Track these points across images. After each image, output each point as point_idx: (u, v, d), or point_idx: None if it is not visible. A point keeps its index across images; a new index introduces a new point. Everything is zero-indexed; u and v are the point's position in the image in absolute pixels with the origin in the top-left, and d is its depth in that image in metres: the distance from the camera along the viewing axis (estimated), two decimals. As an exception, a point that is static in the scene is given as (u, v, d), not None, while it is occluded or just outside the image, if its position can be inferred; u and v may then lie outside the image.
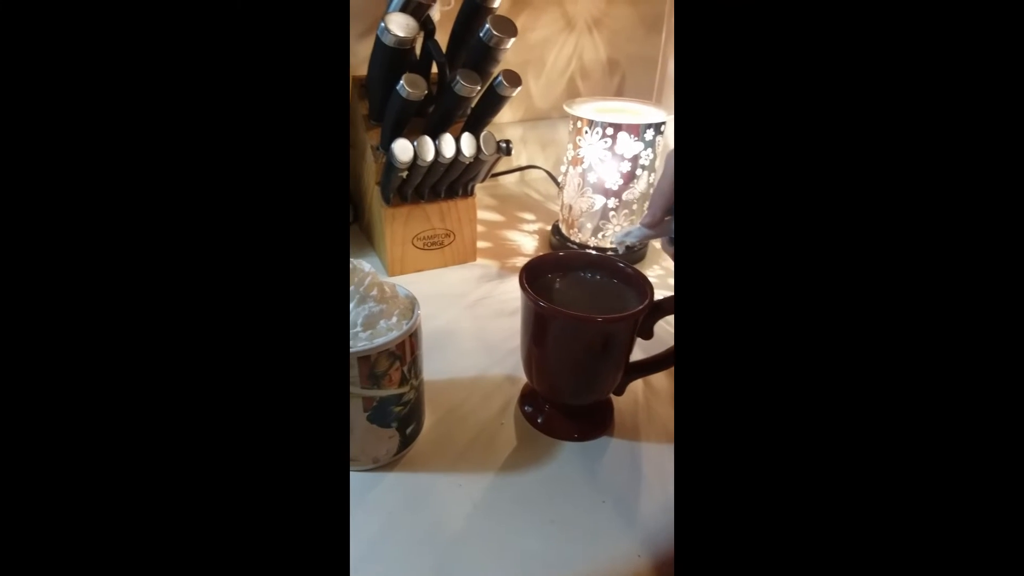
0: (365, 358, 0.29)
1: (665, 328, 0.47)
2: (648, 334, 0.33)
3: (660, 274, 0.58)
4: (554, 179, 0.75)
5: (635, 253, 0.58)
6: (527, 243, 0.63)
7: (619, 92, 0.85)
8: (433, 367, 0.41)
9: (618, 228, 0.56)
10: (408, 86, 0.42)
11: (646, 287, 0.33)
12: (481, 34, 0.43)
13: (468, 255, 0.58)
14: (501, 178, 0.78)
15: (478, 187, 0.55)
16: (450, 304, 0.51)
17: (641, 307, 0.31)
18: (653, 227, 0.31)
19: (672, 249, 0.32)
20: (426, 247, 0.55)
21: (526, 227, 0.67)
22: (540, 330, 0.33)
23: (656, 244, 0.33)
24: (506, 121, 0.78)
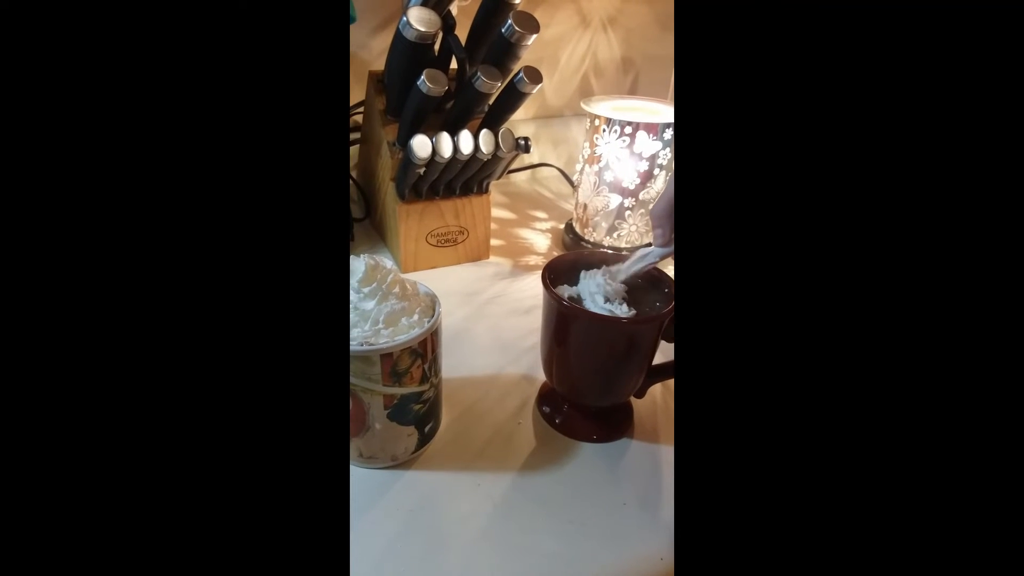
0: (388, 355, 0.29)
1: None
2: (673, 337, 0.32)
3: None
4: (567, 177, 0.74)
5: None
6: (540, 241, 0.63)
7: (632, 91, 0.84)
8: (449, 365, 0.41)
9: (633, 228, 0.56)
10: (429, 82, 0.41)
11: (672, 289, 0.32)
12: (503, 30, 0.43)
13: (481, 253, 0.57)
14: (513, 176, 0.78)
15: (490, 184, 0.55)
16: (464, 302, 0.50)
17: (667, 309, 0.30)
18: (669, 244, 0.30)
19: None
20: (440, 244, 0.55)
21: (538, 225, 0.67)
22: (563, 330, 0.32)
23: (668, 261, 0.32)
24: (519, 118, 0.77)
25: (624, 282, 0.33)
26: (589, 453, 0.35)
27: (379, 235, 0.60)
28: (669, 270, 0.58)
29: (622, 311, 0.31)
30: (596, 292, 0.32)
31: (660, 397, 0.40)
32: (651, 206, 0.31)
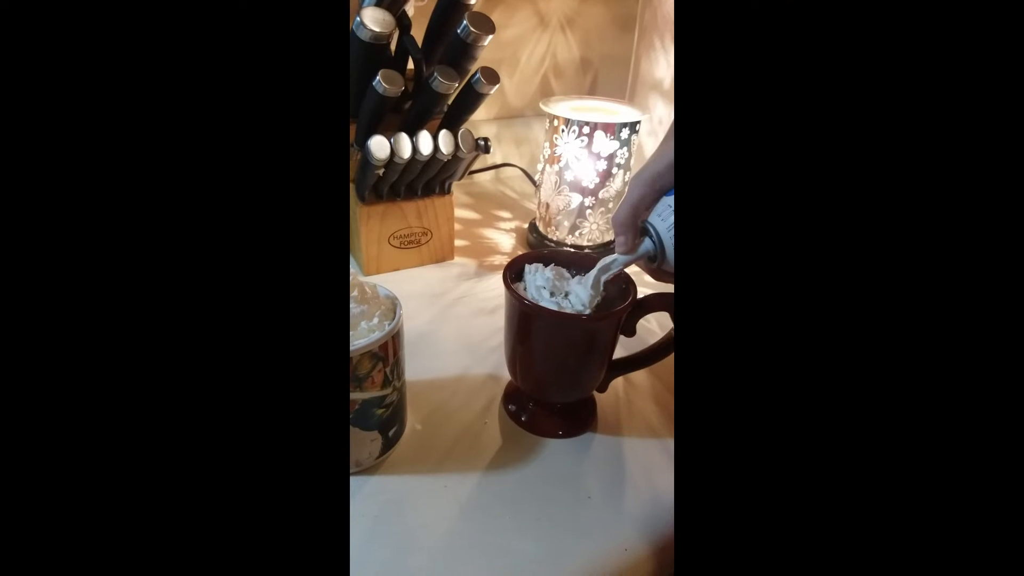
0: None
1: (645, 326, 0.47)
2: (631, 332, 0.33)
3: (635, 270, 0.59)
4: (530, 177, 0.75)
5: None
6: (504, 241, 0.63)
7: (591, 91, 0.85)
8: (414, 367, 0.41)
9: (594, 226, 0.57)
10: (385, 82, 0.41)
11: (629, 285, 0.33)
12: (459, 31, 0.43)
13: (446, 254, 0.57)
14: (476, 176, 0.78)
15: (454, 185, 0.55)
16: (429, 303, 0.50)
17: (625, 305, 0.31)
18: (631, 251, 0.31)
19: (651, 267, 0.32)
20: (403, 246, 0.54)
21: (502, 225, 0.67)
22: (524, 328, 0.33)
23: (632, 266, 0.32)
24: (480, 119, 0.77)
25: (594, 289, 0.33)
26: (554, 449, 0.35)
27: (340, 238, 0.59)
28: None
29: (567, 305, 0.31)
30: (543, 286, 0.32)
31: (621, 390, 0.41)
32: (612, 213, 0.31)
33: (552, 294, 0.32)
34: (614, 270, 0.32)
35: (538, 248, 0.60)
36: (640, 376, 0.42)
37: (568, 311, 0.31)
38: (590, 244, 0.58)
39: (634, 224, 0.31)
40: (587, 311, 0.31)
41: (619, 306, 0.32)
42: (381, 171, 0.46)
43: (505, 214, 0.69)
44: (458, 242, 0.59)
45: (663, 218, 0.30)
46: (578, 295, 0.32)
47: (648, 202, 0.30)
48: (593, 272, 0.33)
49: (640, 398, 0.40)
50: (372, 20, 0.40)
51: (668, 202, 0.30)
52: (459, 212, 0.67)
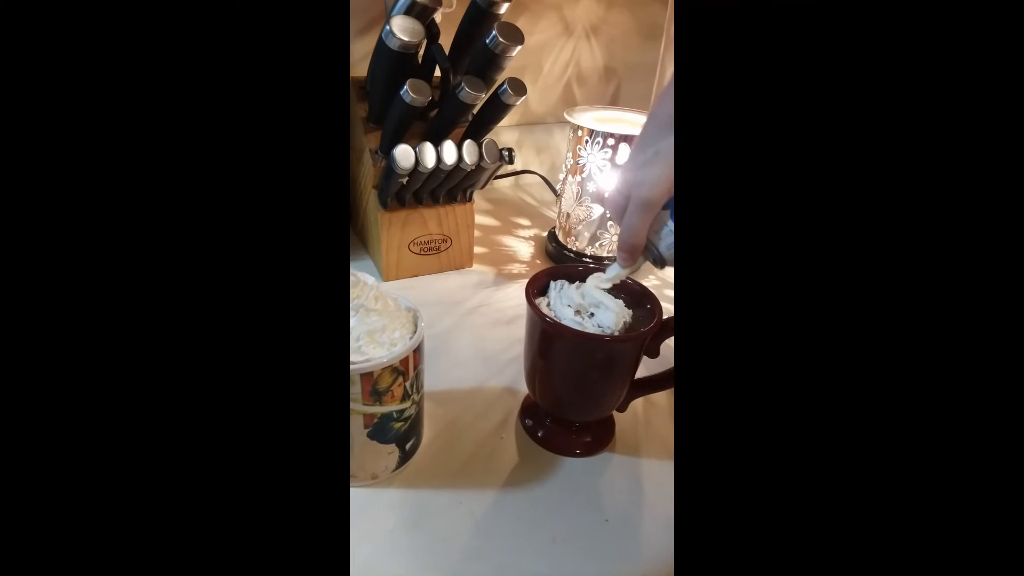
0: (368, 374, 0.28)
1: (669, 346, 0.47)
2: (655, 353, 0.33)
3: (656, 284, 0.58)
4: (550, 186, 0.74)
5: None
6: (523, 250, 0.63)
7: (614, 100, 0.85)
8: (431, 378, 0.41)
9: (615, 237, 0.56)
10: (412, 91, 0.41)
11: (654, 305, 0.33)
12: (487, 41, 0.42)
13: (465, 261, 0.57)
14: (496, 182, 0.78)
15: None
16: (447, 312, 0.50)
17: (650, 327, 0.31)
18: (630, 264, 0.31)
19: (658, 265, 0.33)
20: (422, 252, 0.54)
21: (522, 233, 0.66)
22: (546, 346, 0.32)
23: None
24: (502, 125, 0.77)
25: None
26: (571, 468, 0.35)
27: (361, 242, 0.59)
28: (662, 273, 0.59)
29: (591, 324, 0.31)
30: (568, 304, 0.32)
31: (641, 411, 0.40)
32: (620, 234, 0.31)
33: (577, 312, 0.32)
34: (613, 282, 0.32)
35: (557, 257, 0.59)
36: (659, 396, 0.41)
37: (591, 331, 0.30)
38: (610, 255, 0.58)
39: (641, 246, 0.30)
40: (613, 332, 0.31)
41: (645, 327, 0.31)
42: (405, 179, 0.46)
43: (524, 222, 0.69)
44: (477, 249, 0.59)
45: (664, 238, 0.30)
46: (606, 317, 0.31)
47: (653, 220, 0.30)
48: (599, 278, 0.33)
49: (659, 418, 0.40)
50: (401, 29, 0.40)
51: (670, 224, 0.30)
52: (478, 219, 0.67)
